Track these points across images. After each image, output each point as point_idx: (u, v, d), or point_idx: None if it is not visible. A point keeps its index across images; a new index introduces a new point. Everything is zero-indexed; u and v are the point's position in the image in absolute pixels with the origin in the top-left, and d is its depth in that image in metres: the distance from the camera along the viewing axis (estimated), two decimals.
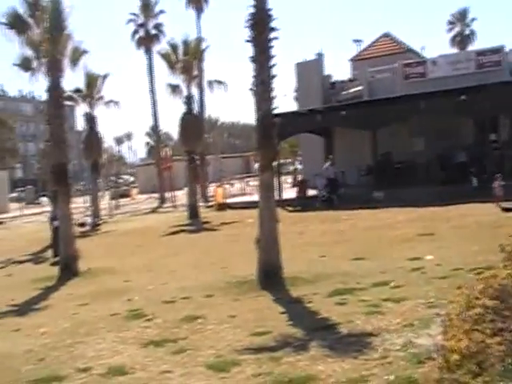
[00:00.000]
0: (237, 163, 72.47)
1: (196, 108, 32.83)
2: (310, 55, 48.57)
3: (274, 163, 12.65)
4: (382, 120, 26.02)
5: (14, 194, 63.48)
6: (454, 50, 58.04)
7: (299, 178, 34.75)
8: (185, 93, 30.32)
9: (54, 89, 16.97)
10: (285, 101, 70.94)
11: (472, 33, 65.22)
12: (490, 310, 5.47)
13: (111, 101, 38.19)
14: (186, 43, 30.21)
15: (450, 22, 65.44)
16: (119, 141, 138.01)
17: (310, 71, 34.03)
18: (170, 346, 7.61)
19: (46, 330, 9.54)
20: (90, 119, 35.68)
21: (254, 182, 37.99)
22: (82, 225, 29.80)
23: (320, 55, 35.24)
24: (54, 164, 16.98)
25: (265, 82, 11.82)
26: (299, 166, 43.46)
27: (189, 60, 29.83)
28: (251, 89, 12.06)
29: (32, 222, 38.09)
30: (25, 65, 17.97)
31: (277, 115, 13.73)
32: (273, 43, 12.02)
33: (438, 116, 25.12)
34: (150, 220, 31.02)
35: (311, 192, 28.27)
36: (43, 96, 18.97)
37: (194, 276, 13.11)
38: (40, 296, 13.32)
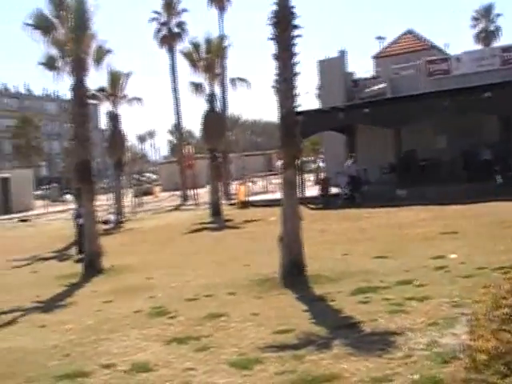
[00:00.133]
0: (259, 161, 72.52)
1: (218, 106, 32.87)
2: (332, 52, 48.37)
3: (297, 161, 12.59)
4: (405, 117, 25.84)
5: (39, 192, 64.15)
6: (479, 47, 57.42)
7: (321, 175, 34.69)
8: (207, 91, 30.43)
9: (79, 88, 17.12)
10: (307, 98, 70.85)
11: (497, 29, 64.53)
12: None
13: (134, 98, 38.42)
14: (208, 41, 30.27)
15: (475, 18, 64.77)
16: (142, 139, 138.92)
17: (332, 69, 33.94)
18: (193, 344, 7.63)
19: (70, 326, 9.63)
20: (114, 117, 35.91)
21: (276, 180, 37.97)
22: (106, 222, 30.01)
23: (343, 52, 35.12)
24: (78, 162, 17.13)
25: (288, 80, 11.81)
26: (321, 164, 43.34)
27: (211, 58, 29.90)
28: (274, 87, 12.06)
29: (56, 219, 38.49)
30: (50, 64, 18.12)
31: (299, 113, 13.71)
32: (296, 41, 12.01)
33: (462, 113, 24.89)
34: (173, 218, 31.17)
35: (333, 190, 28.19)
36: (67, 95, 19.17)
37: (217, 273, 13.14)
38: (65, 293, 13.44)
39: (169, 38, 47.03)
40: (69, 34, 16.99)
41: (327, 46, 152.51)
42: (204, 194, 40.39)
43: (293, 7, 11.92)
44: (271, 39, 11.99)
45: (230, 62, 35.79)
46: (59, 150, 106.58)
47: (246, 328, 8.15)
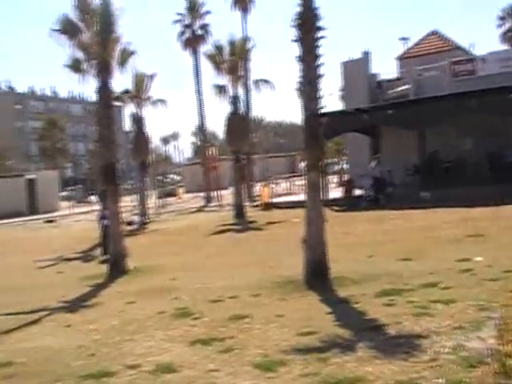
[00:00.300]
0: (282, 163, 72.48)
1: (242, 108, 32.95)
2: (356, 54, 48.20)
3: (321, 163, 12.56)
4: (429, 119, 25.64)
5: (65, 193, 64.79)
6: (505, 47, 56.68)
7: (345, 177, 34.57)
8: (231, 93, 30.52)
9: (104, 90, 17.28)
10: (331, 100, 70.65)
11: None
12: None
13: (159, 100, 38.65)
14: (231, 43, 30.36)
15: (501, 18, 63.92)
16: (166, 141, 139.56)
17: (356, 70, 33.85)
18: (217, 345, 7.64)
19: (95, 326, 9.71)
20: (138, 119, 36.15)
21: (299, 182, 37.95)
22: (130, 223, 30.24)
23: (366, 54, 35.00)
24: (103, 164, 17.28)
25: (312, 82, 11.78)
26: (345, 166, 43.20)
27: (235, 60, 29.97)
28: (298, 88, 12.05)
29: (81, 220, 38.83)
30: (75, 66, 18.33)
31: (323, 115, 13.67)
32: (320, 42, 11.97)
33: (487, 114, 24.62)
34: (197, 219, 31.28)
35: (357, 192, 28.08)
36: (93, 97, 19.33)
37: (241, 275, 13.15)
38: (90, 293, 13.55)
39: (192, 41, 47.21)
40: (94, 37, 17.17)
41: (351, 47, 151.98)
42: (227, 195, 40.53)
43: (317, 8, 11.89)
44: (295, 41, 11.97)
45: (253, 63, 35.89)
46: (84, 151, 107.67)
47: (269, 330, 8.14)
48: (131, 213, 35.67)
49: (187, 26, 47.83)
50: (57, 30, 17.50)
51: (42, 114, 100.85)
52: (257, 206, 33.18)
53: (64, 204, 52.44)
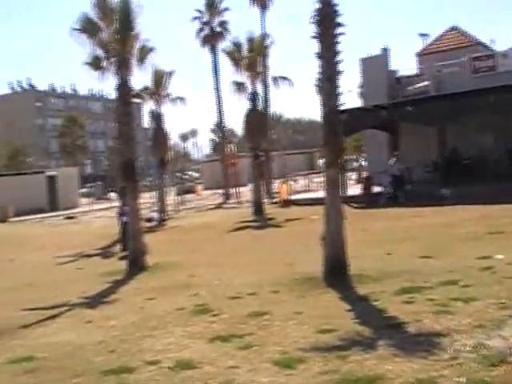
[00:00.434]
0: (301, 159, 72.30)
1: (260, 104, 32.92)
2: (375, 50, 47.98)
3: (340, 160, 12.52)
4: (449, 115, 25.47)
5: (84, 190, 65.23)
6: None
7: (364, 174, 34.43)
8: (249, 89, 30.50)
9: (123, 87, 17.38)
10: (350, 97, 70.31)
11: None
12: None
13: (177, 97, 38.77)
14: (250, 40, 30.34)
15: None
16: (184, 137, 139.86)
17: (375, 66, 33.65)
18: (237, 342, 7.66)
19: (115, 322, 9.77)
20: (157, 116, 36.27)
21: (318, 179, 37.85)
22: (149, 220, 30.38)
23: (385, 50, 34.77)
24: (122, 160, 17.38)
25: (331, 79, 11.74)
26: (363, 163, 43.02)
27: (253, 56, 29.95)
28: (317, 85, 12.02)
29: (101, 216, 39.07)
30: (95, 64, 18.39)
31: (342, 111, 13.62)
32: (339, 39, 11.93)
33: (508, 111, 24.37)
34: (215, 216, 31.34)
35: (376, 189, 27.96)
36: (112, 94, 19.42)
37: (260, 272, 13.16)
38: (109, 289, 13.63)
39: (211, 38, 47.22)
40: (113, 35, 17.26)
41: (370, 43, 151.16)
42: (246, 192, 40.56)
43: (336, 5, 11.85)
44: (314, 37, 11.93)
45: (272, 60, 35.95)
46: (104, 148, 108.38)
47: (289, 327, 8.15)
48: (150, 209, 35.84)
49: (206, 23, 47.84)
50: (77, 29, 17.61)
51: (62, 112, 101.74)
52: (275, 202, 33.17)
53: (84, 200, 52.79)
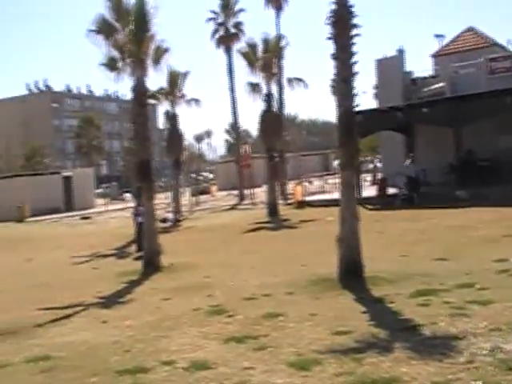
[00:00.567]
0: (316, 161, 72.23)
1: (275, 105, 32.90)
2: (390, 51, 47.71)
3: (355, 161, 12.48)
4: (465, 117, 25.31)
5: (100, 190, 65.54)
6: None
7: (379, 176, 34.32)
8: (264, 90, 30.50)
9: (139, 88, 17.44)
10: (365, 98, 70.20)
11: None
12: None
13: (193, 99, 38.87)
14: (265, 41, 30.34)
15: None
16: (199, 138, 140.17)
17: (390, 68, 33.51)
18: (252, 343, 7.66)
19: (131, 322, 9.81)
20: (172, 117, 36.38)
21: (332, 180, 37.76)
22: (164, 221, 30.45)
23: (401, 51, 34.63)
24: (138, 161, 17.45)
25: (346, 80, 11.72)
26: (378, 164, 42.87)
27: (268, 57, 29.94)
28: (332, 86, 12.00)
29: (116, 217, 39.25)
30: (111, 65, 18.48)
31: (357, 113, 13.58)
32: (354, 40, 11.91)
33: None
34: (230, 217, 31.37)
35: (391, 190, 27.86)
36: (127, 95, 19.47)
37: (274, 273, 13.16)
38: (125, 289, 13.69)
39: (226, 39, 47.26)
40: (129, 36, 17.33)
41: (385, 44, 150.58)
42: (260, 193, 40.55)
43: (352, 6, 11.83)
44: (329, 39, 11.92)
45: (286, 61, 35.86)
46: (119, 148, 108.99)
47: (304, 328, 8.14)
48: (165, 210, 35.94)
49: (221, 24, 47.89)
50: (93, 30, 17.69)
51: (78, 112, 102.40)
52: (290, 204, 33.14)
53: (99, 201, 53.06)
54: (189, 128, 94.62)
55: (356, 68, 11.84)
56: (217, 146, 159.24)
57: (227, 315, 9.46)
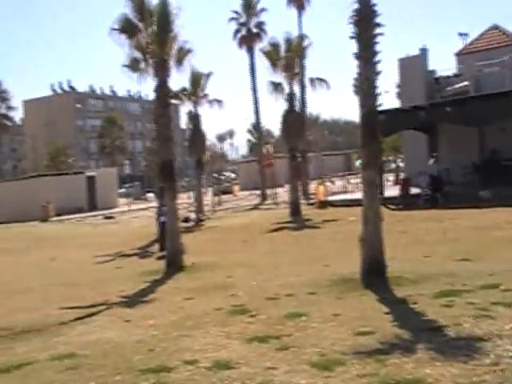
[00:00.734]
0: (338, 160, 72.05)
1: (298, 105, 32.85)
2: (413, 50, 47.33)
3: (378, 161, 12.42)
4: (489, 116, 25.05)
5: (123, 190, 66.01)
6: None
7: (401, 175, 34.12)
8: (287, 90, 30.47)
9: (161, 88, 17.52)
10: (387, 97, 69.73)
11: None
12: None
13: (215, 100, 38.98)
14: (288, 41, 30.32)
15: None
16: (221, 138, 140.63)
17: (413, 67, 33.30)
18: (274, 343, 7.65)
19: (153, 321, 9.85)
20: (194, 117, 36.53)
21: (355, 180, 37.66)
22: (186, 220, 30.60)
23: (424, 50, 34.36)
24: (160, 161, 17.53)
25: (369, 79, 11.67)
26: (401, 164, 42.62)
27: (291, 57, 29.91)
28: (355, 86, 11.97)
29: (138, 216, 39.50)
30: (133, 66, 18.59)
31: (380, 112, 13.54)
32: (377, 39, 11.85)
33: None
34: (252, 216, 31.41)
35: (414, 190, 27.68)
36: (150, 95, 19.57)
37: (297, 273, 13.15)
38: (148, 289, 13.76)
39: (248, 39, 47.32)
40: (152, 36, 17.42)
41: (407, 43, 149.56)
42: (283, 193, 40.56)
43: (374, 5, 11.77)
44: (352, 38, 11.88)
45: (309, 61, 35.76)
46: (142, 148, 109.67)
47: (326, 328, 8.12)
48: (187, 210, 36.09)
49: (243, 24, 47.98)
50: (116, 29, 17.77)
51: (101, 113, 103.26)
52: (312, 204, 33.09)
53: (122, 201, 53.44)
54: (211, 128, 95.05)
55: (379, 67, 11.80)
56: (239, 146, 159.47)
57: (250, 315, 9.46)
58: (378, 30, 11.82)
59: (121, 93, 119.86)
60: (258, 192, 47.49)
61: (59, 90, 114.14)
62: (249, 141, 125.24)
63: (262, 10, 48.04)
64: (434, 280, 10.65)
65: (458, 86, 31.15)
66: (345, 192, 36.58)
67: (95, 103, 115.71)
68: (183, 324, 9.36)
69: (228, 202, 45.39)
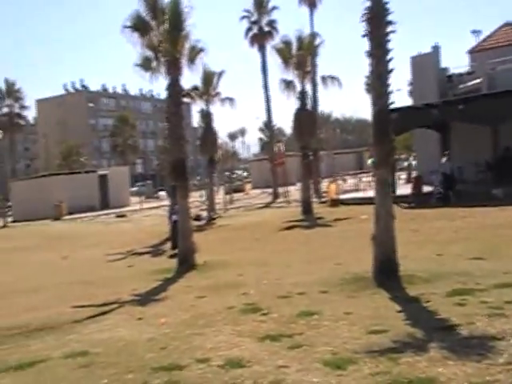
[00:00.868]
0: (349, 159, 71.86)
1: (309, 104, 32.80)
2: (425, 48, 47.08)
3: (391, 159, 12.36)
4: (503, 114, 24.86)
5: (135, 189, 66.23)
6: None
7: (413, 174, 33.98)
8: (298, 88, 30.42)
9: (173, 87, 17.54)
10: (399, 95, 69.44)
11: None
12: None
13: (227, 98, 38.98)
14: (299, 39, 30.26)
15: None
16: (233, 136, 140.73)
17: (425, 64, 33.13)
18: (286, 341, 7.65)
19: (165, 320, 9.88)
20: (206, 116, 36.52)
21: (366, 178, 37.57)
22: (198, 219, 30.63)
23: (436, 48, 34.18)
24: (173, 160, 17.56)
25: (381, 77, 11.63)
26: (413, 162, 42.46)
27: (303, 54, 29.85)
28: (367, 84, 11.94)
29: (150, 215, 39.60)
30: (145, 65, 18.62)
31: (393, 110, 13.46)
32: (389, 37, 11.80)
33: None
34: (264, 215, 31.39)
35: (426, 188, 27.56)
36: (162, 94, 19.59)
37: (309, 271, 13.14)
38: (160, 287, 13.80)
39: (259, 37, 47.31)
40: (164, 35, 17.43)
41: (420, 40, 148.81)
42: (294, 191, 40.51)
43: (387, 3, 11.73)
44: (364, 36, 11.84)
45: (320, 59, 35.65)
46: (154, 147, 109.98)
47: (338, 327, 8.10)
48: (199, 208, 36.13)
49: (254, 23, 47.98)
50: (128, 27, 17.77)
51: (114, 112, 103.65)
52: (324, 202, 33.04)
53: (134, 199, 53.60)
54: (223, 126, 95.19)
55: (391, 65, 11.74)
56: (251, 144, 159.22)
57: (262, 313, 9.45)
58: (390, 28, 11.77)
59: (133, 92, 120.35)
60: (269, 190, 47.47)
61: (72, 90, 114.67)
62: (260, 139, 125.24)
63: (274, 8, 48.08)
64: (446, 279, 10.59)
65: (470, 83, 30.96)
66: (356, 190, 36.50)
67: (107, 102, 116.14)
68: (195, 322, 9.37)
69: (240, 201, 45.41)
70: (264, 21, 47.73)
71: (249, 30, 48.11)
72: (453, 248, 14.52)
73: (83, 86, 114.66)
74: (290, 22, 53.76)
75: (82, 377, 6.98)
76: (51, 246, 26.91)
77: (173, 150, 17.71)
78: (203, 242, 19.08)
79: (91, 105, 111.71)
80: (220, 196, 43.30)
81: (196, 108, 42.00)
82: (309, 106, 32.15)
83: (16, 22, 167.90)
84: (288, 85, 30.82)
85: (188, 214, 17.73)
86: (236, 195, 48.62)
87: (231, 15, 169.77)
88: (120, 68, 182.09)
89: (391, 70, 11.76)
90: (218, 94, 36.58)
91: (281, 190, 43.97)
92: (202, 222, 30.40)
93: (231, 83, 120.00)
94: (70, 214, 43.17)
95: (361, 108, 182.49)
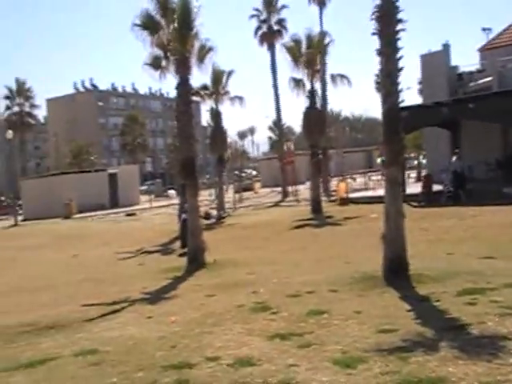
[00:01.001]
0: (359, 157, 71.76)
1: (319, 102, 32.73)
2: (435, 46, 46.91)
3: (401, 158, 12.32)
4: None
5: (144, 187, 66.39)
6: None
7: (423, 172, 33.87)
8: (308, 87, 30.36)
9: (183, 86, 17.56)
10: (409, 93, 69.30)
11: None
12: None
13: (236, 97, 38.97)
14: (309, 37, 30.21)
15: None
16: (242, 135, 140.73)
17: (435, 63, 32.98)
18: (296, 340, 7.64)
19: (175, 318, 9.89)
20: (216, 114, 36.53)
21: (376, 177, 37.49)
22: (207, 217, 30.64)
23: (446, 46, 34.03)
24: (182, 158, 17.59)
25: (391, 75, 11.59)
26: (423, 161, 42.32)
27: (313, 53, 29.80)
28: (377, 82, 11.90)
29: (160, 213, 39.68)
30: (155, 64, 18.65)
31: (403, 108, 13.41)
32: (399, 35, 11.76)
33: None
34: (273, 214, 31.38)
35: (436, 187, 27.46)
36: (171, 93, 19.61)
37: (318, 270, 13.12)
38: (169, 285, 13.82)
39: (269, 36, 47.29)
40: (174, 33, 17.44)
41: (430, 38, 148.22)
42: (304, 190, 40.49)
43: (397, 0, 11.68)
44: (374, 34, 11.79)
45: (330, 57, 35.49)
46: (163, 146, 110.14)
47: (348, 326, 8.08)
48: (208, 207, 36.17)
49: (263, 22, 47.96)
50: (138, 25, 17.78)
51: (123, 111, 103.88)
52: (333, 201, 33.00)
53: (143, 198, 53.71)
54: (232, 125, 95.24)
55: (401, 63, 11.70)
56: (260, 143, 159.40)
57: (271, 312, 9.45)
58: (399, 26, 11.72)
59: (142, 90, 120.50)
60: (279, 189, 47.45)
61: (81, 89, 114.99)
62: (270, 138, 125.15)
63: (283, 6, 48.03)
64: (456, 278, 10.55)
65: (481, 81, 30.81)
66: (366, 189, 36.44)
67: (117, 101, 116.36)
68: (205, 321, 9.38)
69: (249, 199, 45.42)
70: (273, 20, 47.72)
71: (258, 28, 48.11)
72: (463, 247, 14.47)
73: (93, 85, 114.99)
74: (299, 20, 53.57)
75: (91, 375, 7.00)
76: (61, 244, 27.03)
77: (182, 149, 17.74)
78: (212, 240, 19.07)
79: (101, 104, 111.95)
80: (229, 195, 43.33)
81: (205, 107, 42.03)
82: (318, 104, 32.12)
83: (26, 22, 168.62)
84: (297, 83, 30.77)
85: (197, 212, 17.74)
86: (245, 194, 48.63)
87: (240, 14, 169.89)
88: (129, 67, 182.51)
89: (401, 69, 11.72)
90: (227, 92, 36.60)
91: (290, 188, 43.95)
92: (212, 221, 30.42)
93: (241, 82, 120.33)
94: (80, 212, 43.33)
95: (371, 107, 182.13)
